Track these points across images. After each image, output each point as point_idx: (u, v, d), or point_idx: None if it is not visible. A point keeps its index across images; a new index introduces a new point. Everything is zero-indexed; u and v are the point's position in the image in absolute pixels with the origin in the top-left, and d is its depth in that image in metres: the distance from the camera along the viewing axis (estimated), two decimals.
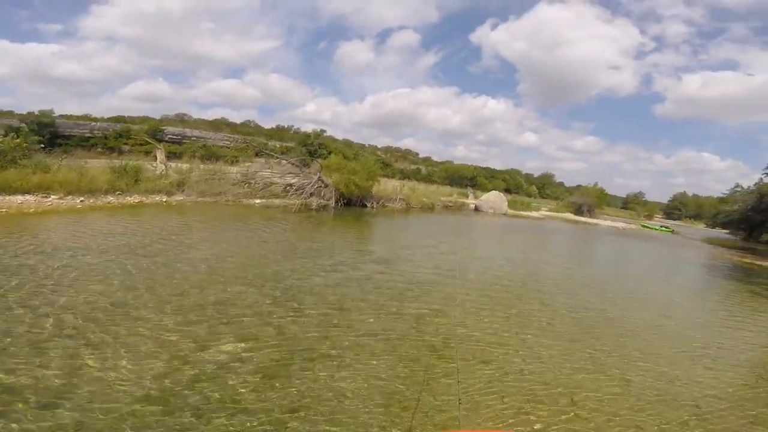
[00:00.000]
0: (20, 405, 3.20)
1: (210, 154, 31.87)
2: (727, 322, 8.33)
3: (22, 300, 5.13)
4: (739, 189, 38.64)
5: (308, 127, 57.76)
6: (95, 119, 42.01)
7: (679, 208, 72.19)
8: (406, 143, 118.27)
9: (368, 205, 22.44)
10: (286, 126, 62.36)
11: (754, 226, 33.41)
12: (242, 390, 3.76)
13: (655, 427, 3.99)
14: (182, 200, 16.28)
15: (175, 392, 3.61)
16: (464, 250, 13.28)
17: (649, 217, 62.03)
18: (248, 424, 3.32)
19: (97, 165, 16.84)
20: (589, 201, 45.11)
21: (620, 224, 38.05)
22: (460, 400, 2.99)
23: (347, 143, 56.57)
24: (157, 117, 49.17)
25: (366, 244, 12.59)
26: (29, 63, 70.94)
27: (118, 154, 29.98)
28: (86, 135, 37.14)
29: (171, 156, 26.07)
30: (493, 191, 38.02)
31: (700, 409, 4.48)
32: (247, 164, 25.46)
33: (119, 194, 14.62)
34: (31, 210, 11.19)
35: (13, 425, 2.99)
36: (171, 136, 39.66)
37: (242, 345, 4.61)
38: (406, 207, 25.26)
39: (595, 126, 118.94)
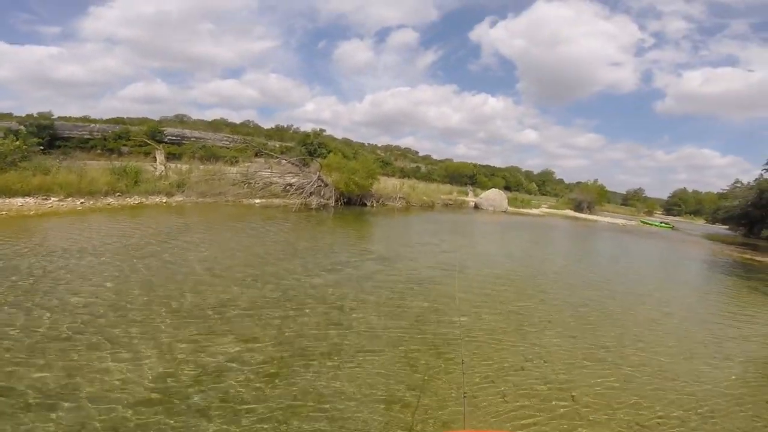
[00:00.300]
0: (20, 406, 3.21)
1: (209, 155, 31.78)
2: (726, 318, 8.34)
3: (22, 301, 5.14)
4: (739, 185, 38.69)
5: (308, 127, 57.95)
6: (94, 121, 41.95)
7: (678, 204, 72.27)
8: (406, 142, 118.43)
9: (368, 203, 22.44)
10: (285, 126, 62.44)
11: (754, 221, 33.48)
12: (243, 390, 3.77)
13: (656, 423, 4.01)
14: (182, 201, 16.28)
15: (176, 392, 3.63)
16: (464, 247, 13.28)
17: (649, 213, 61.99)
18: (249, 423, 3.33)
19: (97, 166, 16.85)
20: (588, 198, 45.11)
21: (620, 221, 38.06)
22: (464, 394, 2.98)
23: (347, 142, 56.64)
24: (157, 118, 49.21)
25: (366, 242, 12.61)
26: (29, 65, 71.18)
27: (117, 155, 29.88)
28: (85, 137, 36.99)
29: (170, 157, 26.05)
30: (493, 189, 38.06)
31: (701, 404, 4.49)
32: (246, 164, 25.43)
33: (119, 196, 14.64)
34: (32, 212, 11.19)
35: (13, 426, 3.01)
36: (170, 137, 39.53)
37: (243, 345, 4.62)
38: (406, 205, 25.26)
39: (597, 123, 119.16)
